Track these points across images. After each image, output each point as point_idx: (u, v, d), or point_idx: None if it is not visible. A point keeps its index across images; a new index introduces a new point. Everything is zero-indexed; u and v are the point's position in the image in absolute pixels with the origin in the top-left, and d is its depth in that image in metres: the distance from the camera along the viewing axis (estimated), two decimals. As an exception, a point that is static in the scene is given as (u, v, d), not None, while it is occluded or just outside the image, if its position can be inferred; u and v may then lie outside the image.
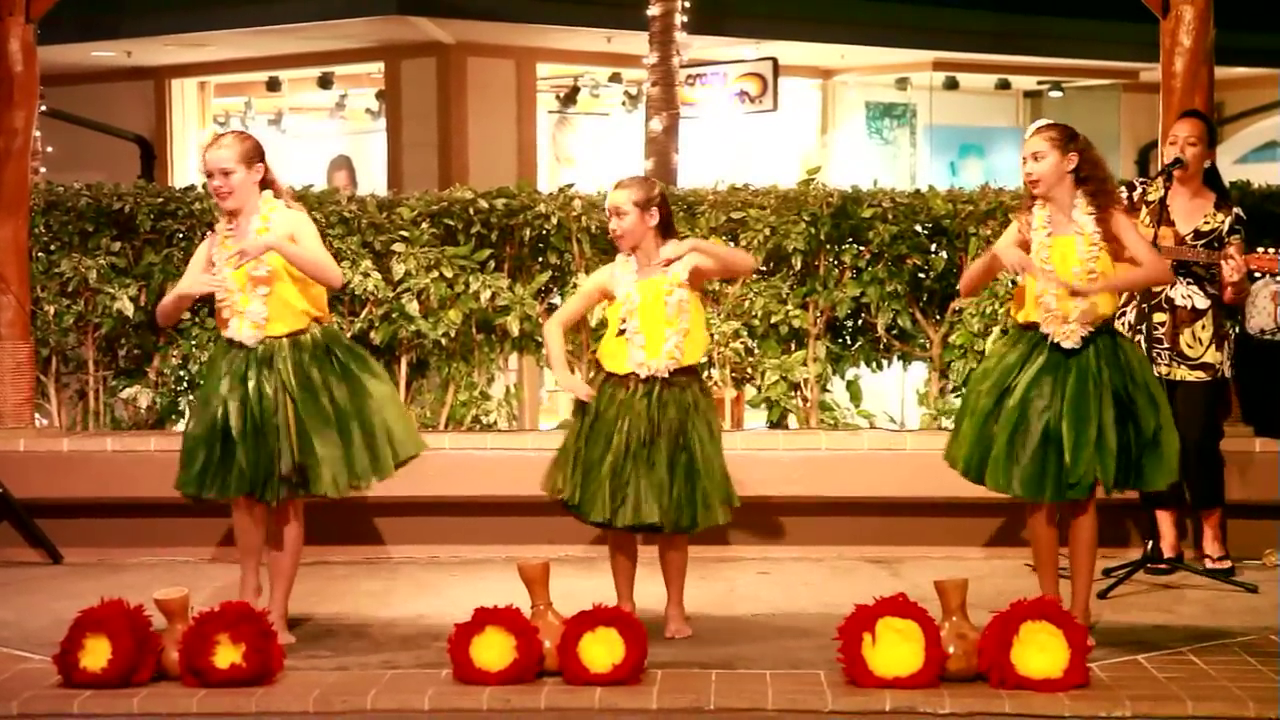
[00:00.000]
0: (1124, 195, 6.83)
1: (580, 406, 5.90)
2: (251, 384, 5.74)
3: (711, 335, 7.66)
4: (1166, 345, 6.83)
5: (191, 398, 7.73)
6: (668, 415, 5.76)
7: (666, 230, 5.91)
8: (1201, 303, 6.82)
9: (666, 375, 5.78)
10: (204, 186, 7.98)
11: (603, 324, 6.50)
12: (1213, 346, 6.83)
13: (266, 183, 5.88)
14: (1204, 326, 6.83)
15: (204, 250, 5.93)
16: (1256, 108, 15.34)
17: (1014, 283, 6.38)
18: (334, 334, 5.95)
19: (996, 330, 7.55)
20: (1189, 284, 6.82)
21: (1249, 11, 12.11)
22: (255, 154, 5.84)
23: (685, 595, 5.97)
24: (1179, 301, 6.83)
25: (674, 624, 5.92)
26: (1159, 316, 6.84)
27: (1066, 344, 5.71)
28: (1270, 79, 15.37)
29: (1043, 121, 5.89)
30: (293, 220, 5.85)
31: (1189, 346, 6.83)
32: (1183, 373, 6.83)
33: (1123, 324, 6.65)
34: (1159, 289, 6.76)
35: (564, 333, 6.12)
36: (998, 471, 5.75)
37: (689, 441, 5.77)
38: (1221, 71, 8.00)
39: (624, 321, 5.83)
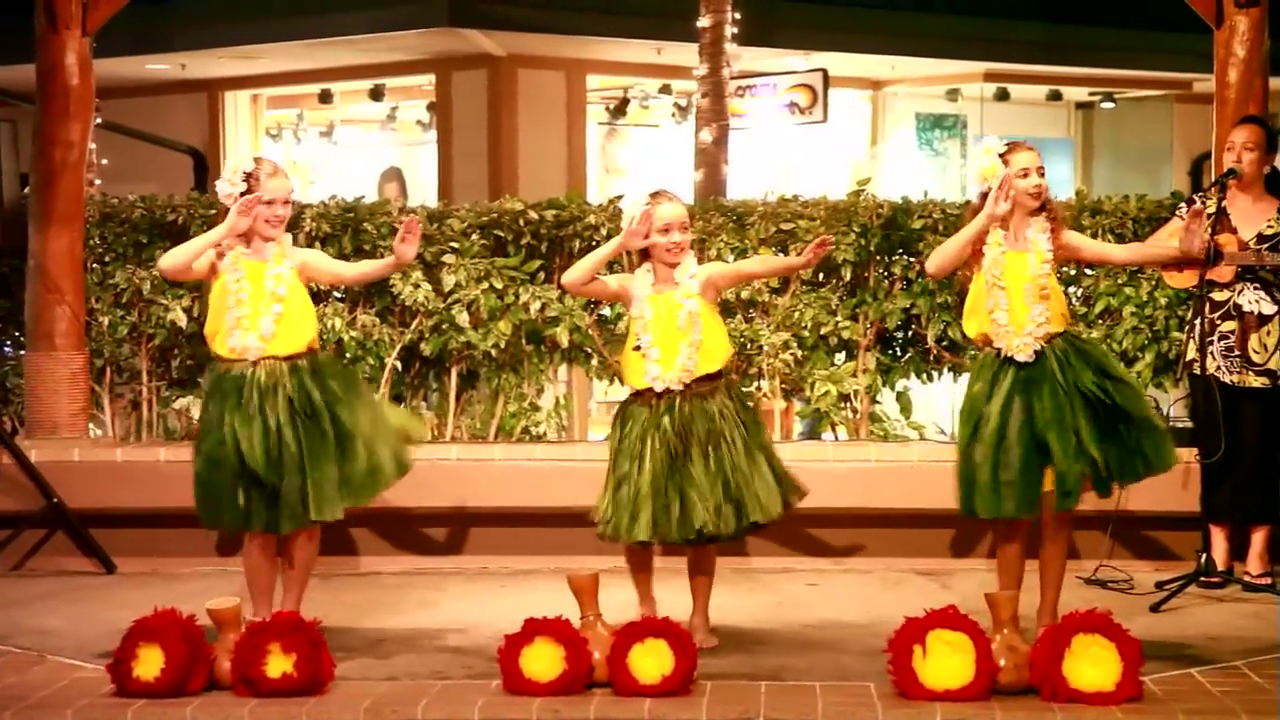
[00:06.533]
0: (1182, 211, 6.80)
1: (614, 425, 5.92)
2: (266, 418, 5.73)
3: (760, 346, 7.67)
4: (1238, 353, 6.78)
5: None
6: (696, 427, 5.77)
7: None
8: (1269, 308, 6.77)
9: (681, 388, 5.79)
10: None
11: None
12: (1278, 354, 6.78)
13: None
14: (1269, 332, 6.78)
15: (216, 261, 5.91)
16: (1312, 119, 15.19)
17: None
18: (325, 360, 5.97)
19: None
20: (1256, 288, 6.78)
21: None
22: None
23: (736, 607, 5.94)
24: (1246, 307, 6.79)
25: (699, 634, 5.88)
26: (1228, 325, 6.80)
27: (1020, 356, 5.76)
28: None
29: (1015, 138, 5.96)
30: (305, 252, 6.08)
31: (1255, 353, 6.78)
32: (1250, 379, 6.79)
33: (1193, 340, 6.63)
34: (1224, 298, 6.76)
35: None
36: (987, 496, 5.76)
37: (722, 449, 5.76)
38: (1277, 83, 7.95)
39: (639, 337, 5.86)
